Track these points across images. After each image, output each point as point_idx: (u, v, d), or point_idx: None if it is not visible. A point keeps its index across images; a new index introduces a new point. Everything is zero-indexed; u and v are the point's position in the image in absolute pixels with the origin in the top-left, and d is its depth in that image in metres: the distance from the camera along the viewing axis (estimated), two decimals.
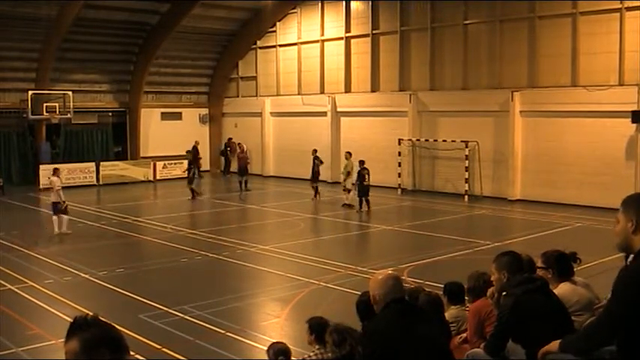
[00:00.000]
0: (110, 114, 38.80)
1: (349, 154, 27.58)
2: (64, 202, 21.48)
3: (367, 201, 25.71)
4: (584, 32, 26.50)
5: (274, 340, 8.51)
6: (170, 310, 13.02)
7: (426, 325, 4.91)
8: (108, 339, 3.16)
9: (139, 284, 15.34)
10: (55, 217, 21.58)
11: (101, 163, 35.82)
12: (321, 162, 30.37)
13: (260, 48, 40.28)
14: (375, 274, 5.09)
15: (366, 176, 25.67)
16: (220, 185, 36.70)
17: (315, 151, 30.95)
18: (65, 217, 21.63)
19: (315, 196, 29.23)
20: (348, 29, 35.18)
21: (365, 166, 25.96)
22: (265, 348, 7.67)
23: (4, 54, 33.43)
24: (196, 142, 38.32)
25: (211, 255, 18.36)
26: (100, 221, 24.15)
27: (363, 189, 25.67)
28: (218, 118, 42.62)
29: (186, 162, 32.64)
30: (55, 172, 22.60)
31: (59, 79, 35.72)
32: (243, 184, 32.49)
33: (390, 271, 5.10)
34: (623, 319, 4.00)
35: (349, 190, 26.88)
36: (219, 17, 37.90)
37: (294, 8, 37.74)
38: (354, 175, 26.38)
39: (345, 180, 27.25)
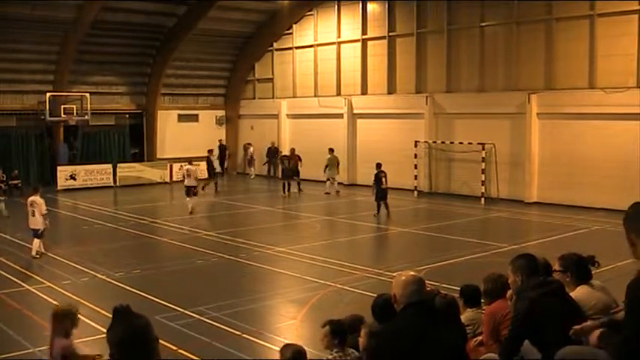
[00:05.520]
0: (127, 116, 39.03)
1: (331, 150, 32.47)
2: (195, 187, 26.45)
3: (386, 204, 25.23)
4: (601, 34, 26.34)
5: (288, 342, 8.51)
6: (186, 312, 13.07)
7: (443, 328, 4.90)
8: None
9: (156, 286, 15.40)
10: (188, 199, 26.14)
11: (118, 164, 36.03)
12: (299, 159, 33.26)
13: (276, 50, 40.36)
14: (400, 273, 5.07)
15: (383, 179, 25.28)
16: (238, 187, 36.75)
17: (293, 150, 33.91)
18: (195, 198, 26.37)
19: (285, 192, 31.95)
20: (364, 31, 35.17)
21: (382, 169, 25.65)
22: (277, 348, 7.67)
23: (23, 56, 33.72)
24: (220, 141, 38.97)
25: (227, 257, 18.42)
26: (117, 222, 24.28)
27: (381, 192, 25.29)
28: (234, 120, 42.74)
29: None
30: (191, 162, 27.88)
31: (77, 82, 35.97)
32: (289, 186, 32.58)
33: (413, 273, 5.07)
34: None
35: (328, 179, 31.75)
36: (235, 19, 38.00)
37: (310, 10, 37.79)
38: (332, 169, 31.73)
39: (324, 171, 31.94)
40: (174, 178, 37.25)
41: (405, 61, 33.43)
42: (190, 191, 26.36)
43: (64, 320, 7.86)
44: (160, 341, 3.64)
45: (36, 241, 18.17)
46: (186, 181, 26.58)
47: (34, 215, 18.19)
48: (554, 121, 27.70)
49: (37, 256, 18.06)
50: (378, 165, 25.90)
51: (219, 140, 38.65)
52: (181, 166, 37.33)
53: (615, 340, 4.58)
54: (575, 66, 27.17)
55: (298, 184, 32.56)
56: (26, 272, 16.64)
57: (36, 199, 18.31)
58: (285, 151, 35.54)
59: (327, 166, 31.98)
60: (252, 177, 40.30)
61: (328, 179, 31.86)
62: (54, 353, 7.59)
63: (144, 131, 39.38)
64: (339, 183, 32.47)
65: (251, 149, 41.14)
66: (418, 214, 27.44)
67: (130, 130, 39.17)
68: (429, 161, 31.94)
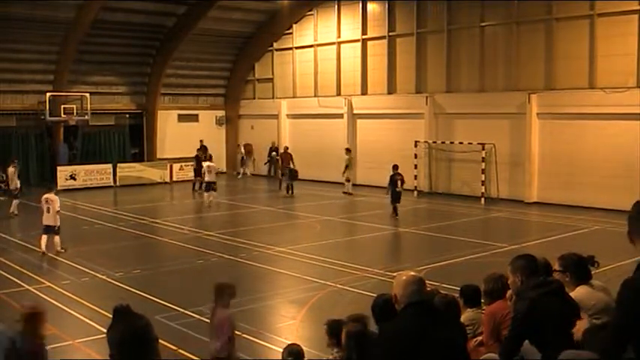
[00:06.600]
0: (127, 116, 39.03)
1: (348, 150, 32.80)
2: (215, 182, 28.57)
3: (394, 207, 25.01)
4: (601, 34, 26.34)
5: (290, 342, 8.53)
6: (186, 312, 13.07)
7: (443, 328, 4.90)
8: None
9: (156, 285, 15.40)
10: (206, 194, 28.21)
11: (118, 164, 36.03)
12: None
13: (276, 50, 40.36)
14: (400, 273, 5.08)
15: (399, 182, 24.98)
16: (237, 187, 36.75)
17: (286, 148, 34.70)
18: (214, 193, 28.37)
19: (288, 192, 31.67)
20: (364, 31, 35.18)
21: (399, 171, 25.46)
22: (280, 350, 7.70)
23: (23, 56, 33.72)
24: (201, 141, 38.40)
25: (227, 256, 18.42)
26: (118, 222, 24.28)
27: (396, 195, 24.91)
28: (234, 120, 42.75)
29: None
30: (211, 159, 30.33)
31: (77, 81, 35.97)
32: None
33: (414, 273, 5.07)
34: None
35: (348, 180, 31.82)
36: (235, 19, 38.00)
37: (310, 10, 37.79)
38: (350, 169, 32.24)
39: (344, 172, 31.96)
40: (175, 178, 37.31)
41: (405, 61, 33.43)
42: (210, 187, 28.21)
43: (224, 293, 9.08)
44: (160, 341, 3.63)
45: (45, 238, 18.60)
46: (206, 177, 28.48)
47: (48, 212, 18.73)
48: (554, 121, 27.70)
49: (63, 250, 18.80)
50: (395, 167, 25.70)
51: (201, 140, 38.30)
52: (181, 166, 37.63)
53: (601, 334, 4.65)
54: (575, 66, 27.18)
55: (288, 185, 31.94)
56: (26, 272, 16.63)
57: (50, 196, 19.01)
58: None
59: (346, 167, 32.17)
60: (248, 175, 40.56)
61: (348, 180, 32.00)
62: (215, 321, 8.80)
63: (144, 131, 39.37)
64: (339, 183, 32.52)
65: (243, 149, 41.31)
66: (418, 214, 27.41)
67: (130, 130, 39.16)
68: (429, 161, 31.95)
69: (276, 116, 39.77)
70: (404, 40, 33.47)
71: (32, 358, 7.33)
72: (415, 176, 31.22)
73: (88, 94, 35.06)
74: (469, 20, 30.62)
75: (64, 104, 34.44)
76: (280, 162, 34.79)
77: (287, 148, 35.68)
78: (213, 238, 21.23)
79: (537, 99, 28.04)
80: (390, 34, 33.87)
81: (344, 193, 31.45)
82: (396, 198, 24.97)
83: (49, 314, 13.13)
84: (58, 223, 18.91)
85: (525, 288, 5.49)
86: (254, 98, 42.10)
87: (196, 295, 14.60)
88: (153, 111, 38.73)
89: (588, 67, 26.76)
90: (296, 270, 16.98)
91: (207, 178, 28.44)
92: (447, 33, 31.46)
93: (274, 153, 38.51)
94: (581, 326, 4.96)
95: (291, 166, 32.79)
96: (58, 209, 18.87)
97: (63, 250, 18.78)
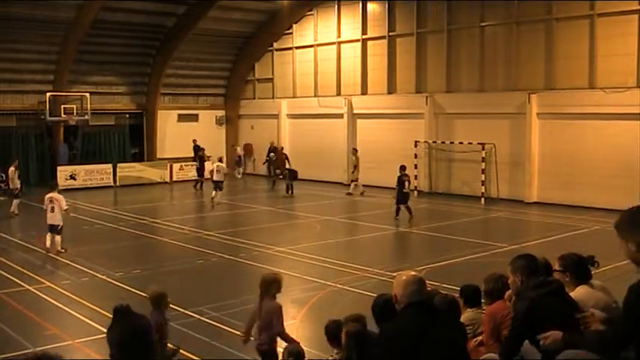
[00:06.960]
0: (127, 116, 39.04)
1: (355, 150, 32.33)
2: (222, 182, 29.09)
3: (407, 207, 24.56)
4: (601, 34, 26.34)
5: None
6: (186, 312, 13.07)
7: (443, 328, 4.90)
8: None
9: (156, 285, 15.36)
10: (214, 192, 28.40)
11: (118, 164, 36.03)
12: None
13: (276, 50, 40.37)
14: (400, 273, 5.08)
15: (406, 183, 24.63)
16: (237, 187, 36.73)
17: (282, 148, 35.39)
18: (220, 192, 28.80)
19: (288, 192, 31.44)
20: (364, 31, 35.18)
21: (406, 172, 25.10)
22: (280, 349, 7.70)
23: (23, 56, 33.71)
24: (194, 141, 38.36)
25: (227, 256, 18.41)
26: (118, 222, 24.27)
27: (403, 196, 24.55)
28: (234, 120, 42.75)
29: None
30: (221, 160, 31.17)
31: (77, 81, 35.97)
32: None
33: (414, 273, 5.07)
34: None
35: (353, 181, 31.66)
36: (235, 19, 38.00)
37: (310, 10, 37.80)
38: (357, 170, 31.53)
39: (352, 172, 31.97)
40: (175, 178, 37.30)
41: (405, 61, 33.43)
42: (218, 186, 28.70)
43: (271, 286, 9.05)
44: None
45: (49, 237, 18.66)
46: (215, 176, 28.91)
47: (53, 211, 18.72)
48: (554, 121, 27.70)
49: (63, 250, 18.73)
50: (402, 167, 25.30)
51: (194, 140, 37.99)
52: (181, 166, 37.66)
53: (594, 335, 4.74)
54: (575, 66, 27.17)
55: (288, 185, 31.74)
56: (26, 272, 16.62)
57: (55, 195, 19.01)
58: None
59: (355, 167, 31.86)
60: (241, 175, 40.64)
61: (353, 180, 31.79)
62: (262, 312, 8.82)
63: (144, 131, 39.39)
64: (339, 183, 32.50)
65: (238, 149, 41.47)
66: (418, 214, 27.27)
67: (130, 130, 39.17)
68: (429, 161, 31.95)
69: (276, 116, 39.78)
70: (404, 40, 33.47)
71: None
72: (415, 176, 31.13)
73: (88, 94, 35.06)
74: (469, 20, 30.63)
75: (64, 104, 34.45)
76: (277, 163, 34.82)
77: (282, 148, 35.70)
78: (213, 238, 21.23)
79: (537, 99, 28.04)
80: (390, 34, 33.87)
81: (356, 194, 31.00)
82: (402, 199, 24.71)
83: (49, 314, 13.23)
84: (62, 222, 18.90)
85: (525, 288, 5.50)
86: (254, 98, 42.11)
87: (196, 295, 14.63)
88: (153, 111, 38.74)
89: (588, 67, 26.76)
90: (296, 270, 16.96)
91: (215, 177, 28.87)
92: (447, 33, 31.45)
93: (272, 154, 38.54)
94: (552, 335, 4.94)
95: (288, 166, 32.84)
96: (67, 207, 18.91)
97: (63, 250, 18.72)
